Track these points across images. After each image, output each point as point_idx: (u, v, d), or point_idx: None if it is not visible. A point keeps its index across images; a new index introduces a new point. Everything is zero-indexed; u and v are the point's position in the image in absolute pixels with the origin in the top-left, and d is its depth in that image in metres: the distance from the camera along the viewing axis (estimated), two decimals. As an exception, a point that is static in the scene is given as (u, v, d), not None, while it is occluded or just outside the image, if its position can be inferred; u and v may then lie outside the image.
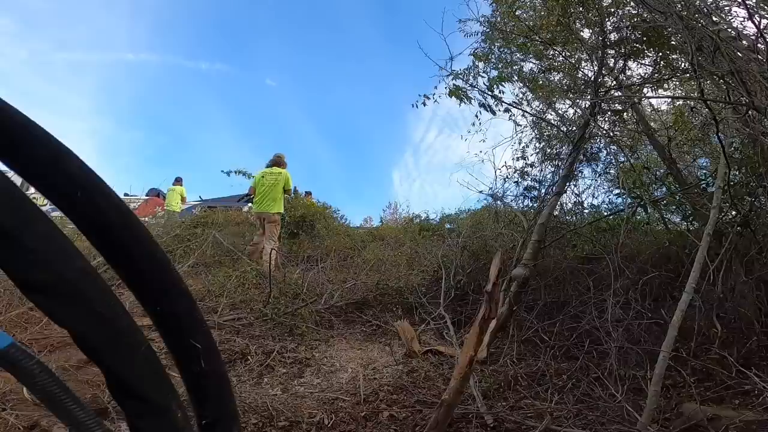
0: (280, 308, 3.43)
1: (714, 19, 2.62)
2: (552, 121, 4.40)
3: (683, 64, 3.35)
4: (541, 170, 4.51)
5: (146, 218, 7.83)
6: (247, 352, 2.76)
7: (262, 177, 5.50)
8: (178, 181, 9.38)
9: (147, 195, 10.74)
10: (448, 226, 8.35)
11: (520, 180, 4.60)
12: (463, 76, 3.99)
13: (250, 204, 6.31)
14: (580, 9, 3.55)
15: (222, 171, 6.83)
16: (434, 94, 4.06)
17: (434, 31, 3.98)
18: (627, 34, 3.44)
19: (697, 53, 2.29)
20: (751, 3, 2.39)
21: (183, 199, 9.17)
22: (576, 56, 3.94)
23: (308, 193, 9.91)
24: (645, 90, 3.77)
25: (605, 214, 4.20)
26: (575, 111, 4.20)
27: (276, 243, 5.30)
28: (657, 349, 1.96)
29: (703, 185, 3.39)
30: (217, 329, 3.10)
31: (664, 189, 3.92)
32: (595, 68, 3.61)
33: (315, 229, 7.05)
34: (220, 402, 0.38)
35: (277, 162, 5.68)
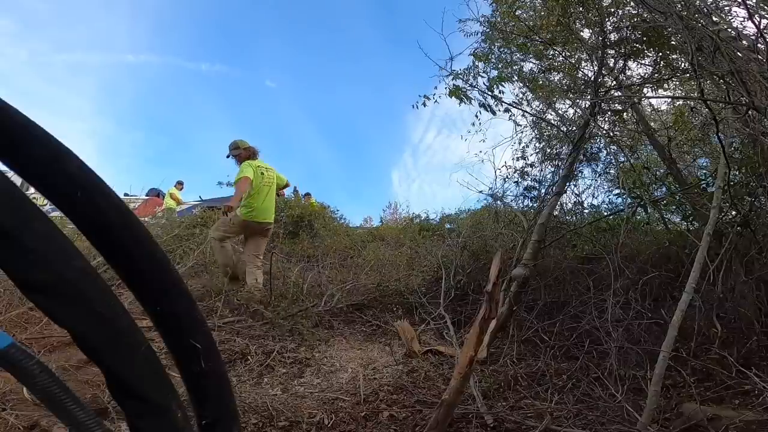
0: (280, 312, 3.43)
1: (714, 19, 2.62)
2: (552, 121, 4.40)
3: (683, 64, 3.35)
4: (541, 170, 4.52)
5: (146, 218, 7.85)
6: (247, 352, 2.76)
7: (262, 174, 4.16)
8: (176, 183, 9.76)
9: (147, 195, 10.77)
10: (448, 226, 8.37)
11: (520, 180, 4.60)
12: (463, 76, 3.98)
13: None
14: (580, 9, 3.55)
15: (218, 183, 6.83)
16: (434, 95, 4.06)
17: (434, 31, 3.98)
18: (627, 34, 3.44)
19: (697, 53, 2.29)
20: (751, 3, 2.39)
21: (171, 196, 9.40)
22: (576, 56, 3.94)
23: (308, 195, 9.93)
24: (645, 90, 3.77)
25: (605, 214, 4.20)
26: (575, 111, 4.20)
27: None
28: (657, 349, 1.95)
29: (703, 185, 3.39)
30: (216, 330, 3.10)
31: (664, 189, 3.92)
32: (595, 68, 3.61)
33: (314, 229, 7.05)
34: (220, 402, 0.38)
35: (254, 152, 4.30)
